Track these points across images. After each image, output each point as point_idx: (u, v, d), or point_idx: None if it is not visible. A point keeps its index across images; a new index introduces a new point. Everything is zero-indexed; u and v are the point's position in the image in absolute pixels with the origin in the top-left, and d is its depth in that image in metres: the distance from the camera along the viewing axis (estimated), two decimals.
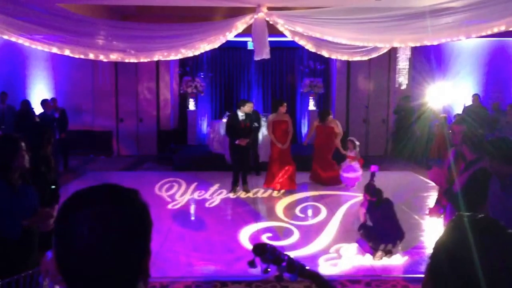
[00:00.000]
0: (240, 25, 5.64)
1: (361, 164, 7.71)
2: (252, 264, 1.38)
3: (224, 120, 8.70)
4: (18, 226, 2.71)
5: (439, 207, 3.90)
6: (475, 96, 9.79)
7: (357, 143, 7.76)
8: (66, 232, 0.80)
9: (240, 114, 7.23)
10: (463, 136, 3.46)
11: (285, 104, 7.48)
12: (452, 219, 0.94)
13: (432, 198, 6.86)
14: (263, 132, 8.84)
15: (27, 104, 9.19)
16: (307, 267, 1.37)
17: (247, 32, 5.84)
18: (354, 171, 7.63)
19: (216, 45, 5.87)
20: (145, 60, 6.09)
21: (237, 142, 7.12)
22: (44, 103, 8.86)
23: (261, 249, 1.37)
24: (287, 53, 11.42)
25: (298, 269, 1.34)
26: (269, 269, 1.35)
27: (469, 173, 3.24)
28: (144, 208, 0.85)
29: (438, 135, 9.03)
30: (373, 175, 4.96)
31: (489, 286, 0.83)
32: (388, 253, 4.55)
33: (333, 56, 6.78)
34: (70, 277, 0.80)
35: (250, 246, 4.94)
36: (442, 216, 3.86)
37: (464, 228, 0.88)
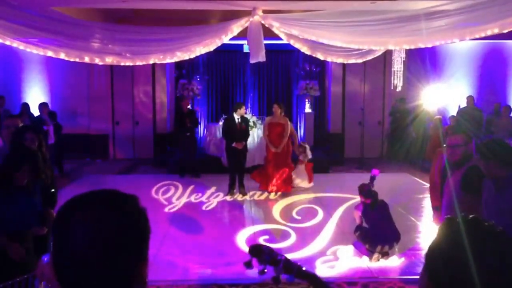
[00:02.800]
0: (236, 28, 5.66)
1: (309, 168, 7.70)
2: (248, 265, 1.38)
3: (221, 123, 8.73)
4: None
5: (439, 213, 3.90)
6: (470, 97, 9.86)
7: (307, 146, 7.76)
8: (62, 236, 0.81)
9: (236, 117, 7.27)
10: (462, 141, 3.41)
11: (277, 105, 7.46)
12: (444, 221, 0.96)
13: (428, 200, 6.89)
14: (258, 134, 8.88)
15: (24, 107, 9.19)
16: (304, 268, 1.37)
17: (242, 35, 5.86)
18: (301, 178, 7.61)
19: (212, 48, 5.88)
20: (141, 63, 6.09)
21: (233, 145, 7.15)
22: (41, 106, 8.86)
23: (257, 250, 1.37)
24: (282, 55, 11.45)
25: (295, 270, 1.34)
26: (265, 270, 1.35)
27: (461, 172, 3.25)
28: (141, 214, 0.85)
29: (433, 137, 9.07)
30: (373, 178, 4.94)
31: (483, 285, 0.84)
32: (385, 255, 4.56)
33: (329, 59, 6.81)
34: (65, 281, 0.80)
35: (247, 249, 4.94)
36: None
37: (457, 229, 0.90)
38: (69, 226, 0.80)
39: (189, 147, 8.71)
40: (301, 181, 7.69)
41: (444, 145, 3.40)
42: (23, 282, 2.48)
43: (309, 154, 7.83)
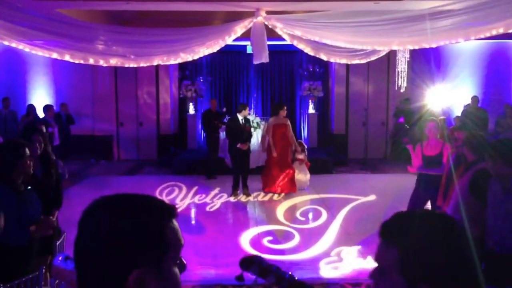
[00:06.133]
0: (239, 29, 5.66)
1: (308, 167, 7.70)
2: (240, 279, 1.36)
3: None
4: (26, 232, 2.70)
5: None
6: (474, 98, 9.81)
7: (305, 146, 7.79)
8: (78, 234, 0.85)
9: (240, 118, 7.29)
10: (464, 138, 3.48)
11: (285, 107, 7.50)
12: (382, 232, 0.96)
13: None
14: (257, 137, 8.88)
15: (30, 108, 9.29)
16: (296, 278, 1.34)
17: (246, 36, 5.86)
18: (304, 175, 7.62)
19: (215, 49, 5.89)
20: (145, 65, 6.11)
21: (238, 146, 7.17)
22: (45, 108, 8.96)
23: (249, 262, 1.35)
24: (286, 56, 11.45)
25: (286, 281, 1.31)
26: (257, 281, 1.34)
27: (469, 175, 3.25)
28: (152, 222, 0.83)
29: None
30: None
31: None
32: None
33: (332, 60, 6.80)
34: (78, 276, 0.85)
35: (251, 250, 4.94)
36: None
37: (404, 235, 0.92)
38: (83, 224, 0.85)
39: (216, 148, 8.75)
40: (304, 176, 7.65)
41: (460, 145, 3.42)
42: (28, 282, 2.49)
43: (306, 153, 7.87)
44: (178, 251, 0.86)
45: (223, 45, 5.86)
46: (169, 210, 0.87)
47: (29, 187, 2.82)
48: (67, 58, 5.52)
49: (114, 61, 5.69)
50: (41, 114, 9.24)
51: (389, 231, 0.94)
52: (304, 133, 11.46)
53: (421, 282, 0.88)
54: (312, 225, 5.88)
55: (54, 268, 2.11)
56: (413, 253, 0.89)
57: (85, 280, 0.83)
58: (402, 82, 8.93)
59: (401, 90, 9.31)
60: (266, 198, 7.27)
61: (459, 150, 3.50)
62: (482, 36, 5.20)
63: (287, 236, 5.38)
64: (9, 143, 3.05)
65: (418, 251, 0.88)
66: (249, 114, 8.08)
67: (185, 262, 0.89)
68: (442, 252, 0.88)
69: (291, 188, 7.36)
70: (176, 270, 0.86)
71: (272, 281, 1.32)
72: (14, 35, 5.13)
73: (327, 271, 4.39)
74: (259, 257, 1.37)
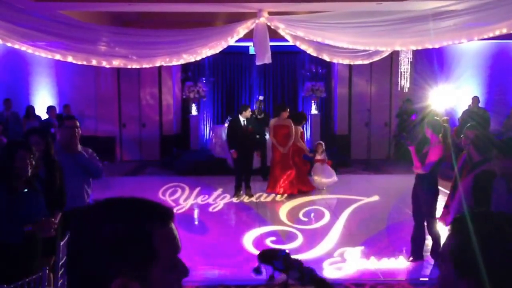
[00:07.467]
0: (242, 30, 5.66)
1: (330, 165, 7.75)
2: (257, 271, 1.33)
3: (226, 124, 8.74)
4: (19, 231, 2.71)
5: (447, 211, 3.89)
6: (474, 98, 9.79)
7: (324, 146, 7.86)
8: (68, 239, 0.87)
9: (242, 119, 7.29)
10: (471, 137, 3.47)
11: (288, 109, 7.50)
12: (453, 222, 0.99)
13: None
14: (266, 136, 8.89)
15: (30, 110, 9.33)
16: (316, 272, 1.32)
17: (248, 37, 5.87)
18: (328, 175, 7.65)
19: (217, 50, 5.89)
20: (147, 66, 6.12)
21: (231, 151, 7.18)
22: (49, 109, 9.01)
23: (268, 256, 1.30)
24: (288, 57, 11.45)
25: (307, 275, 1.29)
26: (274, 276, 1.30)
27: (472, 176, 3.24)
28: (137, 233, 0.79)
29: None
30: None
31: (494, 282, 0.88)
32: None
33: (335, 60, 6.79)
34: (67, 279, 0.86)
35: (254, 250, 4.93)
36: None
37: (466, 229, 0.94)
38: (72, 229, 0.84)
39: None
40: (326, 178, 7.66)
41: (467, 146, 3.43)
42: (31, 282, 2.50)
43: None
44: (171, 257, 0.81)
45: (225, 46, 5.86)
46: (162, 214, 0.82)
47: (28, 187, 2.82)
48: (69, 59, 5.54)
49: (116, 62, 5.71)
50: (44, 115, 9.29)
51: (457, 221, 0.98)
52: (307, 134, 11.44)
53: (468, 277, 0.90)
54: (315, 225, 5.87)
55: None
56: (469, 245, 0.90)
57: (72, 284, 0.81)
58: (405, 83, 8.92)
59: (404, 91, 9.31)
60: (269, 198, 7.27)
61: (465, 148, 3.51)
62: (485, 37, 5.19)
63: (290, 237, 5.38)
64: (8, 143, 3.07)
65: (476, 246, 0.90)
66: (252, 115, 8.06)
67: (187, 267, 0.84)
68: (498, 253, 0.89)
69: (293, 189, 7.35)
70: (170, 276, 0.81)
71: (295, 276, 1.28)
72: (17, 36, 5.15)
73: (330, 272, 4.38)
74: (285, 251, 1.33)
